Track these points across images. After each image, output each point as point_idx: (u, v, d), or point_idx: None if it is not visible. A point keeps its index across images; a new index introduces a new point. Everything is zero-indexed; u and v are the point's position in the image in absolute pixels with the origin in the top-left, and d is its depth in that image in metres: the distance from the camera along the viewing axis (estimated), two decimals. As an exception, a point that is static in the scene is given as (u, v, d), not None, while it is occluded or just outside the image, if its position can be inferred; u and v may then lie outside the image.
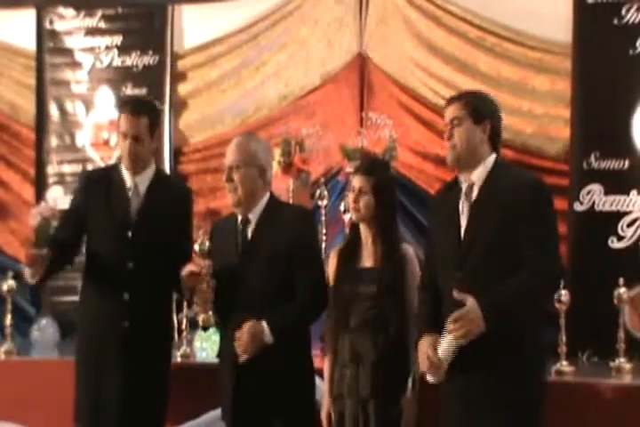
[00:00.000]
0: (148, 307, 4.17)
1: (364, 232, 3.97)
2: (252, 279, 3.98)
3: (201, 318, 4.02)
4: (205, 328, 4.16)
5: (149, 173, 4.38)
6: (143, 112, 4.44)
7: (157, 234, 4.24)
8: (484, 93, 3.71)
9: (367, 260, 3.96)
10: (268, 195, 4.10)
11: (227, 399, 3.99)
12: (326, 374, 3.95)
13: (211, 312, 4.01)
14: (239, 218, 4.02)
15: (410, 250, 4.04)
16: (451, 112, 3.54)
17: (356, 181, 3.95)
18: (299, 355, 3.98)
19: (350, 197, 4.01)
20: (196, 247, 4.10)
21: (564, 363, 4.56)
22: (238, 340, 3.84)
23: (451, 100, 3.59)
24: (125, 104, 4.71)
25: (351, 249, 4.00)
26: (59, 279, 5.78)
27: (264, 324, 3.84)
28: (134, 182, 4.33)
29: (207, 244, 4.10)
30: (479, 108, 3.55)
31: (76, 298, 4.53)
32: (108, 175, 4.50)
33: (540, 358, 3.53)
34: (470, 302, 3.31)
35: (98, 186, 4.46)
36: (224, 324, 4.05)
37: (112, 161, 6.25)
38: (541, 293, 3.45)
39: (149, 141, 4.37)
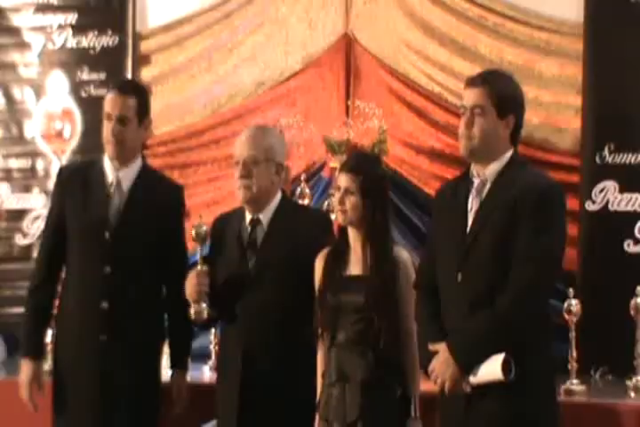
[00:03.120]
0: (131, 320, 4.19)
1: (352, 236, 3.96)
2: (263, 291, 4.02)
3: (193, 311, 4.02)
4: (197, 323, 4.15)
5: (135, 167, 4.37)
6: (132, 92, 4.42)
7: (141, 238, 4.27)
8: (513, 81, 3.69)
9: (355, 267, 3.95)
10: (279, 194, 4.15)
11: (231, 411, 4.02)
12: (318, 393, 3.95)
13: (204, 304, 4.01)
14: (248, 217, 4.05)
15: (404, 254, 4.03)
16: (473, 96, 3.55)
17: (342, 180, 3.92)
18: (304, 369, 3.99)
19: (336, 197, 3.98)
20: (193, 232, 4.07)
21: (575, 381, 4.58)
22: None
23: (473, 82, 3.59)
24: (117, 84, 4.69)
25: (338, 255, 3.98)
26: (5, 288, 5.84)
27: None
28: (117, 178, 4.32)
29: (204, 228, 4.08)
30: (506, 101, 3.56)
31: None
32: (88, 169, 4.47)
33: (551, 377, 3.56)
34: (442, 349, 3.44)
35: (74, 183, 4.43)
36: (225, 341, 4.13)
37: (66, 155, 6.33)
38: (515, 318, 3.43)
39: (137, 127, 4.34)
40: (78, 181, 4.42)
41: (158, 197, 4.35)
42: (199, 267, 4.02)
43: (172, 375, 4.37)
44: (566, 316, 4.60)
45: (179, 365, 4.40)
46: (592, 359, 4.87)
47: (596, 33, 5.41)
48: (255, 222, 4.07)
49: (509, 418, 3.43)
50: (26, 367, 4.36)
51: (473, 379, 3.43)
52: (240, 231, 4.09)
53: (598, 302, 4.95)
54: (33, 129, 6.46)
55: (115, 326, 4.21)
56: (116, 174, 4.32)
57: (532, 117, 5.51)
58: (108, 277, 4.24)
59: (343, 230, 4.03)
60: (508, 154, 3.58)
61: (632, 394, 4.59)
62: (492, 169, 3.56)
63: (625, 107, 5.34)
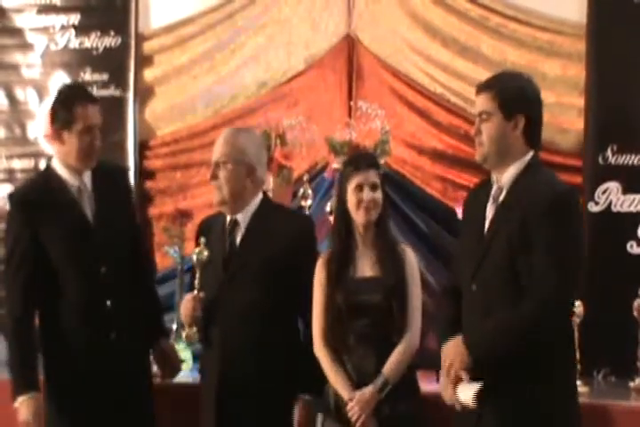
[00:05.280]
0: (131, 314, 4.24)
1: (362, 237, 4.00)
2: (239, 290, 4.01)
3: (185, 334, 4.08)
4: (190, 344, 4.22)
5: (89, 170, 4.39)
6: (97, 99, 4.47)
7: (117, 227, 4.29)
8: (521, 79, 3.67)
9: (365, 268, 3.98)
10: (260, 196, 4.15)
11: (209, 417, 4.05)
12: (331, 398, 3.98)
13: (195, 329, 4.06)
14: (227, 218, 4.07)
15: (409, 250, 4.09)
16: (479, 104, 3.57)
17: (371, 175, 3.98)
18: (286, 373, 4.02)
19: (363, 194, 4.00)
20: (194, 257, 4.10)
21: (578, 383, 4.35)
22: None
23: (479, 89, 3.60)
24: (81, 92, 4.64)
25: (345, 256, 4.01)
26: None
27: (309, 400, 3.98)
28: (81, 182, 4.34)
29: (205, 253, 4.10)
30: (511, 101, 3.52)
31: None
32: (43, 186, 4.41)
33: (571, 389, 3.58)
34: (457, 338, 3.49)
35: (39, 205, 4.36)
36: (205, 340, 4.11)
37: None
38: (529, 326, 3.42)
39: None
40: (40, 200, 4.37)
41: (114, 186, 4.41)
42: (195, 292, 4.05)
43: (162, 342, 4.43)
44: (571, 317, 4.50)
45: (164, 332, 4.52)
46: (595, 361, 4.87)
47: (598, 34, 5.39)
48: (233, 224, 4.09)
49: (523, 417, 3.44)
50: (26, 404, 4.30)
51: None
52: (222, 233, 4.11)
53: (601, 303, 4.93)
54: (36, 130, 6.46)
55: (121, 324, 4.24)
56: (78, 178, 4.33)
57: None
58: (106, 276, 4.26)
59: (348, 232, 4.02)
60: (527, 157, 3.55)
61: (635, 396, 4.59)
62: (509, 174, 3.54)
63: (628, 108, 5.33)
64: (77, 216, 4.33)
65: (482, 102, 3.56)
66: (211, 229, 4.19)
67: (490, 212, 3.56)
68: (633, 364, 4.67)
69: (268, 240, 4.05)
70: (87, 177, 4.35)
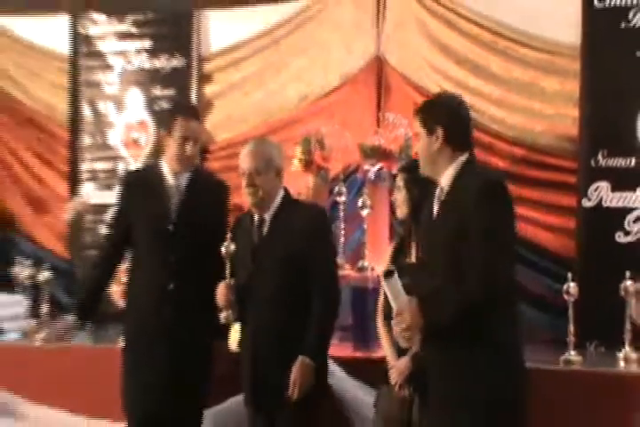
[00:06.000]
0: (192, 296, 4.18)
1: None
2: (266, 278, 4.01)
3: (223, 316, 4.06)
4: (228, 324, 4.17)
5: (189, 170, 4.44)
6: (199, 115, 4.57)
7: (197, 227, 4.27)
8: (436, 99, 3.65)
9: (413, 255, 4.01)
10: (282, 192, 4.12)
11: (246, 387, 4.04)
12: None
13: (231, 311, 4.04)
14: (256, 217, 4.03)
15: None
16: (414, 129, 3.55)
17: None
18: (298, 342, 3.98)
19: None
20: (223, 250, 4.06)
21: (573, 353, 4.56)
22: (293, 383, 3.89)
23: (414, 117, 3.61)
24: (183, 109, 4.73)
25: (403, 245, 4.05)
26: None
27: (307, 360, 3.90)
28: (176, 181, 4.37)
29: (232, 247, 4.07)
30: (428, 119, 3.49)
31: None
32: (148, 175, 4.53)
33: (510, 358, 3.43)
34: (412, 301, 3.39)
35: (137, 186, 4.50)
36: (242, 320, 4.10)
37: (141, 159, 6.37)
38: (473, 300, 3.35)
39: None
40: (140, 183, 4.48)
41: (209, 193, 4.39)
42: (227, 280, 4.03)
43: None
44: (565, 296, 4.56)
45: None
46: (587, 334, 4.83)
47: (591, 54, 5.35)
48: (261, 221, 4.05)
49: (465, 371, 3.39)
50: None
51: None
52: (250, 229, 4.08)
53: (593, 284, 4.90)
54: (115, 137, 6.53)
55: (179, 303, 4.25)
56: (175, 178, 4.35)
57: (536, 126, 5.55)
58: (173, 263, 4.24)
59: (407, 224, 4.04)
60: (461, 159, 3.47)
61: (622, 364, 4.57)
62: (447, 177, 3.47)
63: (616, 118, 5.28)
64: (163, 209, 4.36)
65: (415, 127, 3.55)
66: (240, 225, 4.18)
67: (435, 210, 3.52)
68: (620, 337, 4.60)
69: (288, 233, 4.01)
70: (184, 180, 4.39)
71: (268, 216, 4.05)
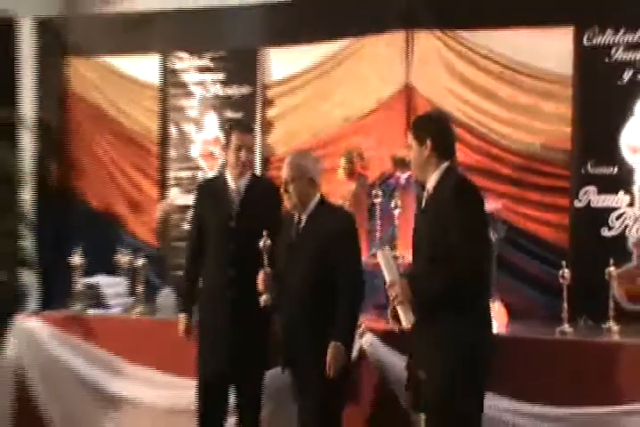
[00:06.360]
0: (250, 279, 4.14)
1: None
2: (298, 269, 3.98)
3: (262, 299, 4.07)
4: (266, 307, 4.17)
5: (247, 176, 4.47)
6: (252, 129, 4.70)
7: (254, 223, 4.24)
8: (427, 116, 3.72)
9: None
10: (317, 196, 4.05)
11: (282, 360, 4.09)
12: None
13: (270, 295, 4.05)
14: (296, 217, 4.04)
15: None
16: (408, 141, 3.60)
17: None
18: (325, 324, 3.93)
19: None
20: (260, 244, 4.07)
21: (566, 326, 4.57)
22: (329, 366, 3.82)
23: (408, 130, 3.65)
24: (237, 124, 4.81)
25: None
26: (179, 257, 5.92)
27: (338, 344, 3.83)
28: (236, 185, 4.41)
29: (268, 241, 4.06)
30: (418, 132, 3.55)
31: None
32: (215, 182, 4.60)
33: (477, 326, 3.47)
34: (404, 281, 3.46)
35: (207, 192, 4.57)
36: (278, 304, 4.09)
37: (215, 169, 6.35)
38: (449, 281, 3.40)
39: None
40: (209, 189, 4.55)
41: (263, 195, 4.43)
42: (266, 269, 4.03)
43: None
44: (561, 280, 4.57)
45: None
46: (578, 310, 4.80)
47: (581, 83, 5.34)
48: (299, 222, 4.04)
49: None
50: (181, 317, 4.53)
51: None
52: (291, 227, 4.07)
53: (583, 270, 4.88)
54: (194, 151, 6.53)
55: (239, 285, 4.27)
56: (235, 182, 4.41)
57: (536, 141, 5.51)
58: (234, 252, 4.31)
59: None
60: (443, 166, 3.51)
61: (606, 334, 4.57)
62: (431, 182, 3.53)
63: (601, 135, 5.26)
64: (226, 209, 4.40)
65: (408, 140, 3.60)
66: (287, 222, 4.15)
67: (422, 206, 3.58)
68: (605, 313, 4.62)
69: (319, 233, 3.95)
70: (243, 184, 4.44)
71: (304, 217, 4.01)
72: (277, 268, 4.06)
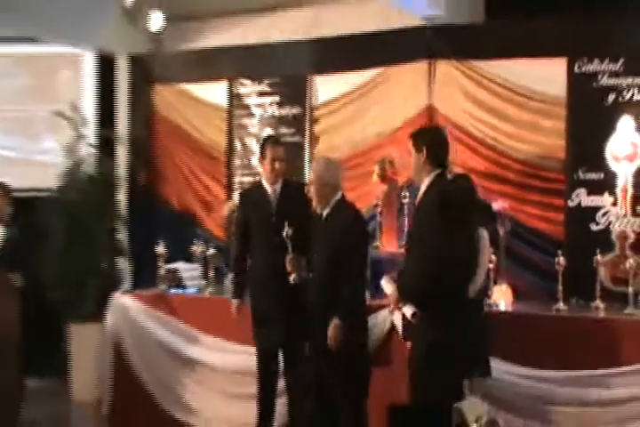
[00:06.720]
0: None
1: None
2: (318, 256, 3.96)
3: (291, 278, 4.13)
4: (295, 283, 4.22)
5: (280, 181, 4.53)
6: (282, 143, 4.68)
7: (289, 219, 4.23)
8: (425, 129, 3.71)
9: None
10: (338, 195, 3.97)
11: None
12: None
13: (296, 275, 4.10)
14: (319, 213, 4.04)
15: (484, 232, 3.93)
16: (409, 147, 3.58)
17: None
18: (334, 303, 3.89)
19: None
20: (284, 233, 4.12)
21: (561, 304, 4.60)
22: (330, 339, 3.78)
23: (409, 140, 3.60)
24: (272, 139, 4.78)
25: None
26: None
27: (337, 321, 3.77)
28: (273, 189, 4.48)
29: (290, 231, 4.08)
30: (417, 142, 3.51)
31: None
32: (255, 188, 4.63)
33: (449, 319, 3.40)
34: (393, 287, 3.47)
35: (251, 197, 4.60)
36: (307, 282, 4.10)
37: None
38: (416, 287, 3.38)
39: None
40: (250, 196, 4.59)
41: (295, 195, 4.45)
42: (291, 254, 4.07)
43: None
44: (556, 266, 4.60)
45: None
46: (571, 291, 4.77)
47: (573, 104, 5.33)
48: (320, 217, 4.01)
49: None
50: (233, 302, 4.60)
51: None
52: (317, 222, 4.04)
53: (575, 258, 4.86)
54: (255, 160, 6.32)
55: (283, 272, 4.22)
56: (272, 187, 4.46)
57: (536, 151, 5.47)
58: (277, 244, 4.27)
59: None
60: (435, 173, 3.43)
61: (594, 311, 4.57)
62: (423, 186, 3.48)
63: (590, 146, 5.25)
64: (267, 209, 4.45)
65: (409, 146, 3.55)
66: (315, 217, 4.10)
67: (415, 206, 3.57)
68: (593, 294, 4.64)
69: (332, 227, 3.90)
70: (278, 188, 4.49)
71: (325, 213, 3.96)
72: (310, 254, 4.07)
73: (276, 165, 4.47)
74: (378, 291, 4.11)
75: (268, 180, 4.52)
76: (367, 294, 4.27)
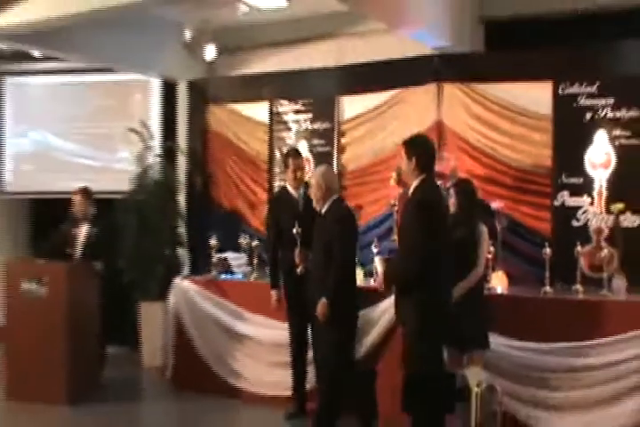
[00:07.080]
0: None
1: None
2: (315, 250, 3.99)
3: (298, 270, 4.19)
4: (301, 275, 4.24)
5: (301, 186, 4.58)
6: (302, 154, 4.66)
7: (312, 218, 4.21)
8: (417, 138, 3.54)
9: None
10: (334, 197, 3.96)
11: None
12: None
13: (302, 267, 4.19)
14: (318, 210, 4.06)
15: (483, 227, 3.97)
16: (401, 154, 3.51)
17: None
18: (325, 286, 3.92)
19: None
20: (294, 231, 4.13)
21: (548, 288, 4.61)
22: (318, 314, 3.81)
23: (401, 147, 3.53)
24: (292, 151, 4.76)
25: (454, 226, 3.88)
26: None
27: (323, 300, 3.79)
28: (297, 193, 4.54)
29: (299, 229, 4.08)
30: (408, 150, 3.43)
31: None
32: (281, 193, 4.68)
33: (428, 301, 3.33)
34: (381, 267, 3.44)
35: (279, 200, 4.64)
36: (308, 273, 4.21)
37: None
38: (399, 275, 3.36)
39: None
40: (279, 199, 4.63)
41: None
42: (299, 248, 4.14)
43: None
44: (544, 256, 4.57)
45: None
46: (556, 277, 4.78)
47: (557, 120, 5.34)
48: (319, 215, 4.02)
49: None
50: (273, 293, 4.65)
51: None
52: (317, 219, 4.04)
53: (560, 249, 4.87)
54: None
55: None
56: (296, 192, 4.52)
57: (527, 160, 5.47)
58: (300, 236, 4.31)
59: (455, 216, 3.93)
60: (421, 177, 3.36)
61: (574, 294, 4.56)
62: (412, 187, 3.42)
63: (572, 155, 5.27)
64: (294, 211, 4.50)
65: (401, 153, 3.47)
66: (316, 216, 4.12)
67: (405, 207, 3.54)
68: (574, 279, 4.60)
69: (326, 222, 3.92)
70: (300, 192, 4.54)
71: (323, 211, 4.00)
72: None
73: (298, 173, 4.53)
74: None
75: (292, 186, 4.57)
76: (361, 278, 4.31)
